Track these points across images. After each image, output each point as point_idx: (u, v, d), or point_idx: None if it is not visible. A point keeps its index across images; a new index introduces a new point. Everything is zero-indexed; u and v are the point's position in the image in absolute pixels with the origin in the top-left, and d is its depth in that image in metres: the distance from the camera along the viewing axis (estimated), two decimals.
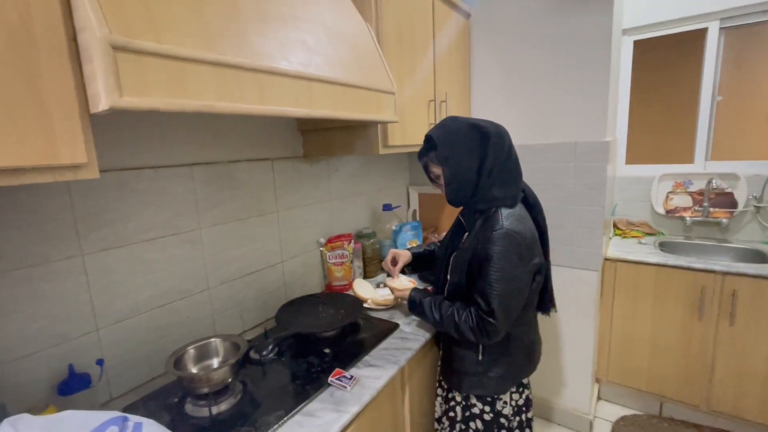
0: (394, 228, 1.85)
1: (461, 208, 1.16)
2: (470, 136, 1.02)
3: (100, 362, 0.91)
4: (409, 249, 1.44)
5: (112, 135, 0.96)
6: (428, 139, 1.07)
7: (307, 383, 1.00)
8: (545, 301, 1.18)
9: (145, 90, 0.60)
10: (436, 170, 1.09)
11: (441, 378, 1.25)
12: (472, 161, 1.02)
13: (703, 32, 2.11)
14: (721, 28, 2.07)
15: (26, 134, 0.54)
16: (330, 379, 1.00)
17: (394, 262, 1.38)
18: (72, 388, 0.86)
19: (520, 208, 1.05)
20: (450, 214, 2.07)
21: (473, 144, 1.02)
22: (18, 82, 0.53)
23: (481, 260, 1.00)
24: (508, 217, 1.00)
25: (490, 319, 0.99)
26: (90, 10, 0.54)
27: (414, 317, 1.31)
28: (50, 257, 0.87)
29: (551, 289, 1.21)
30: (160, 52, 0.61)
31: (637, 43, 2.27)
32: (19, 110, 0.53)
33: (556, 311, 1.24)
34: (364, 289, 1.50)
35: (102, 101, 0.56)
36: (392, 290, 1.32)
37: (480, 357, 1.09)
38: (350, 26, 1.14)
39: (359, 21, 1.20)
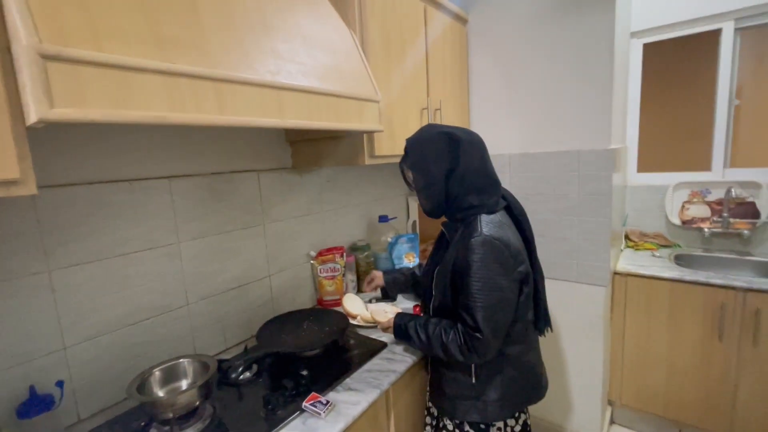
0: (389, 240, 1.79)
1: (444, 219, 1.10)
2: (440, 141, 0.99)
3: (60, 384, 0.87)
4: (385, 273, 1.48)
5: (82, 148, 0.94)
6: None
7: (280, 408, 0.94)
8: (538, 317, 1.09)
9: (82, 101, 0.57)
10: (410, 175, 1.07)
11: (431, 404, 1.16)
12: (441, 167, 0.99)
13: (717, 33, 2.00)
14: (736, 29, 1.95)
15: None
16: (304, 404, 0.94)
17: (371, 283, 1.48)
18: (32, 410, 0.82)
19: (501, 215, 0.99)
20: None
21: (443, 150, 0.99)
22: None
23: (461, 272, 0.95)
24: (488, 224, 0.94)
25: (477, 335, 0.92)
26: (18, 18, 0.52)
27: None
28: (14, 273, 0.85)
29: (545, 305, 1.12)
30: (100, 61, 0.58)
31: (647, 46, 2.17)
32: None
33: (551, 331, 1.15)
34: (354, 305, 1.44)
35: (32, 113, 0.53)
36: (377, 323, 1.26)
37: (474, 380, 1.02)
38: (330, 33, 1.10)
39: (341, 28, 1.16)
